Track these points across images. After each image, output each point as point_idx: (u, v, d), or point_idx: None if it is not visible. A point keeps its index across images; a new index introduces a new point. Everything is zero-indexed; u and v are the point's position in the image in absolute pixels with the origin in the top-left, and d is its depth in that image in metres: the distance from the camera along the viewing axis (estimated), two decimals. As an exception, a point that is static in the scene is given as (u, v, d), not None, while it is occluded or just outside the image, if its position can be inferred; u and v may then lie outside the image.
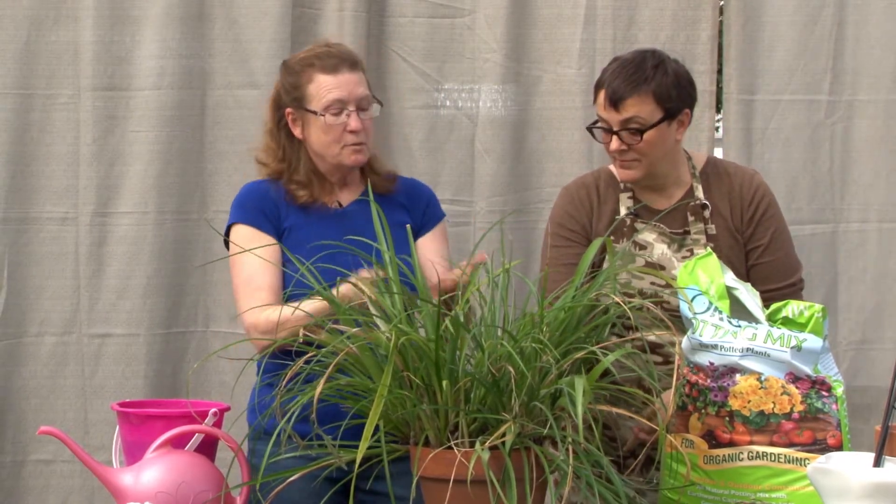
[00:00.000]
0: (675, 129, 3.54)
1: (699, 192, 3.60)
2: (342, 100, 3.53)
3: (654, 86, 3.48)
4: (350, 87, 3.55)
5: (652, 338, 3.32)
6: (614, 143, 3.50)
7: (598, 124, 3.55)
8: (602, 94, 3.50)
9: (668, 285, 3.47)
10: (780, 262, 3.59)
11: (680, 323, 3.18)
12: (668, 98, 3.49)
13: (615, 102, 3.47)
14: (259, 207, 3.55)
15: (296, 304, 3.16)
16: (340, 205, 3.59)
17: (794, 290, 3.57)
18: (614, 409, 2.96)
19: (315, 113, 3.53)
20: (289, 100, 3.59)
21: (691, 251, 3.55)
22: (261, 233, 3.52)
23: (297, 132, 3.59)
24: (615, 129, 3.49)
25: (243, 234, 3.53)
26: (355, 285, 3.07)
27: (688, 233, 3.58)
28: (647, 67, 3.50)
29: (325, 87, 3.54)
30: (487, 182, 4.53)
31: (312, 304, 3.15)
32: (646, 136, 3.48)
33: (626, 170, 3.54)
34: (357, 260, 3.15)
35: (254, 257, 3.44)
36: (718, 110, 4.63)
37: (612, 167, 3.69)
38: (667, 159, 3.57)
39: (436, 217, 3.70)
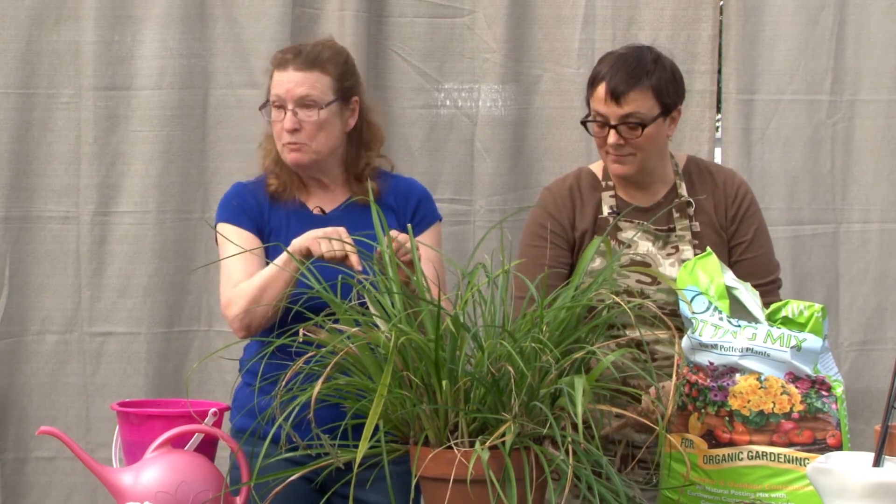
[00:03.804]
0: (668, 126, 3.54)
1: (682, 190, 3.60)
2: (279, 97, 3.51)
3: (654, 80, 3.46)
4: (289, 85, 3.49)
5: (643, 333, 3.34)
6: (612, 138, 3.47)
7: (593, 118, 3.52)
8: (602, 88, 3.46)
9: (653, 282, 3.47)
10: (762, 258, 3.59)
11: (675, 319, 3.19)
12: (667, 94, 3.48)
13: (616, 97, 3.44)
14: (240, 206, 3.53)
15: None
16: (323, 211, 3.56)
17: (774, 288, 3.57)
18: (614, 409, 2.96)
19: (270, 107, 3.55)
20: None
21: (676, 248, 3.55)
22: (240, 229, 3.50)
23: None
24: (613, 122, 3.47)
25: (225, 232, 3.51)
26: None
27: (672, 230, 3.57)
28: (646, 62, 3.48)
29: (273, 84, 3.53)
30: (487, 181, 4.53)
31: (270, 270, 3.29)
32: (645, 131, 3.47)
33: (620, 164, 3.52)
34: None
35: (233, 252, 3.44)
36: (718, 110, 4.62)
37: (592, 167, 3.67)
38: (657, 156, 3.56)
39: (427, 219, 3.60)
